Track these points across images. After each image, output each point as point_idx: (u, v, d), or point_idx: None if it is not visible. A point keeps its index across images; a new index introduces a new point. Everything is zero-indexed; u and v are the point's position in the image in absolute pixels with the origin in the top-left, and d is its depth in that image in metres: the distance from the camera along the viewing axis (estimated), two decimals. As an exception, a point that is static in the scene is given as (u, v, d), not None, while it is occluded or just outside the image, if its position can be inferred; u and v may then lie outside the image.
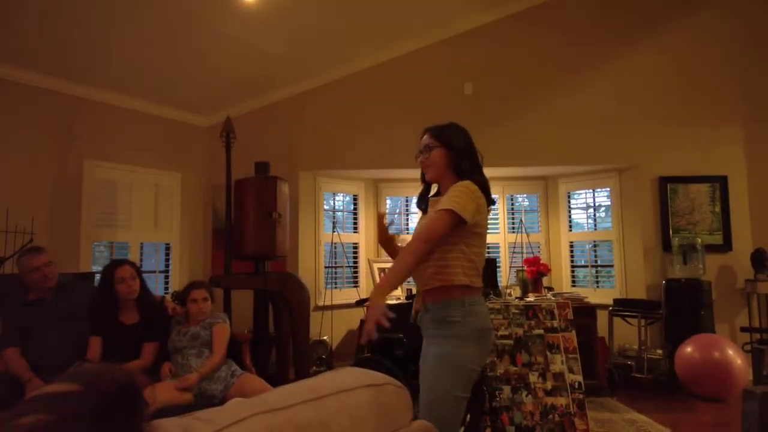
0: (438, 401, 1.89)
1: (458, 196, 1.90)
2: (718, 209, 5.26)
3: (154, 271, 5.12)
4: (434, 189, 2.20)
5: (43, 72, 4.31)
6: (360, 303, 4.64)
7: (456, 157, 2.05)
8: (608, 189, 5.63)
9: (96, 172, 4.70)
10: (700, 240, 5.02)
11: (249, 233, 4.21)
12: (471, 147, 2.10)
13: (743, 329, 4.37)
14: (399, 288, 5.49)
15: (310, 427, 1.13)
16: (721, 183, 5.26)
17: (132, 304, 3.13)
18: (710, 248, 5.10)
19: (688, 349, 4.42)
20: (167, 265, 5.27)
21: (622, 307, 5.02)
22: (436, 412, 1.86)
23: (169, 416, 1.03)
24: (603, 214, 5.76)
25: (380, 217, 2.30)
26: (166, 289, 5.15)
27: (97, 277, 3.59)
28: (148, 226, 5.11)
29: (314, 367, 4.70)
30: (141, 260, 4.99)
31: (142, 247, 5.07)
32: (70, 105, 4.54)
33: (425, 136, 2.14)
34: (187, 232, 5.39)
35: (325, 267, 5.66)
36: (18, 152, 4.23)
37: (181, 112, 5.37)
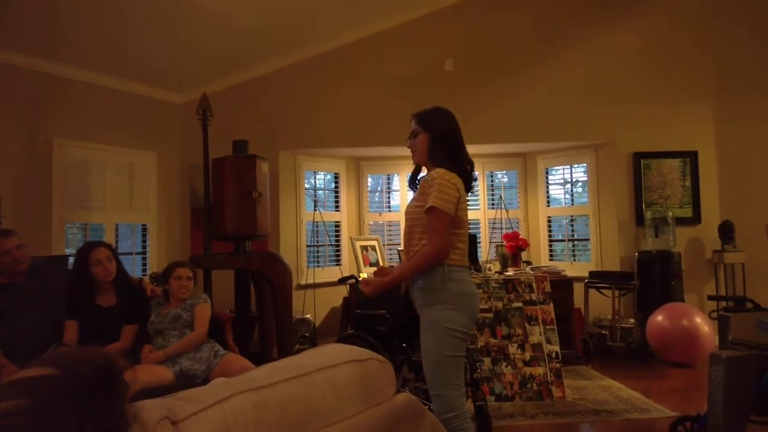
0: (433, 363, 2.05)
1: (440, 191, 2.04)
2: (688, 183, 5.39)
3: (131, 253, 5.06)
4: (425, 170, 2.30)
5: (8, 48, 4.16)
6: (342, 281, 4.65)
7: (437, 141, 2.18)
8: (585, 165, 5.71)
9: (67, 151, 4.59)
10: (671, 213, 5.15)
11: (229, 213, 4.17)
12: (449, 132, 2.20)
13: (710, 298, 4.53)
14: (383, 265, 5.53)
15: (294, 403, 1.15)
16: (691, 158, 5.39)
17: (109, 286, 3.08)
18: (681, 221, 5.24)
19: (659, 318, 4.57)
20: (144, 247, 5.21)
21: (597, 279, 5.15)
22: (433, 373, 2.05)
23: (152, 397, 1.03)
24: (580, 190, 5.85)
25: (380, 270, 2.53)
26: (144, 270, 5.10)
27: (71, 259, 3.54)
28: (124, 207, 5.02)
29: (297, 345, 4.74)
30: (117, 242, 4.92)
31: (117, 229, 4.99)
32: (38, 82, 4.40)
33: (412, 122, 2.26)
34: (164, 213, 5.32)
35: (307, 246, 5.66)
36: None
37: (156, 89, 5.25)
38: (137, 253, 5.15)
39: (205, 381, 2.74)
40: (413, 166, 2.34)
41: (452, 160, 2.16)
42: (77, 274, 3.04)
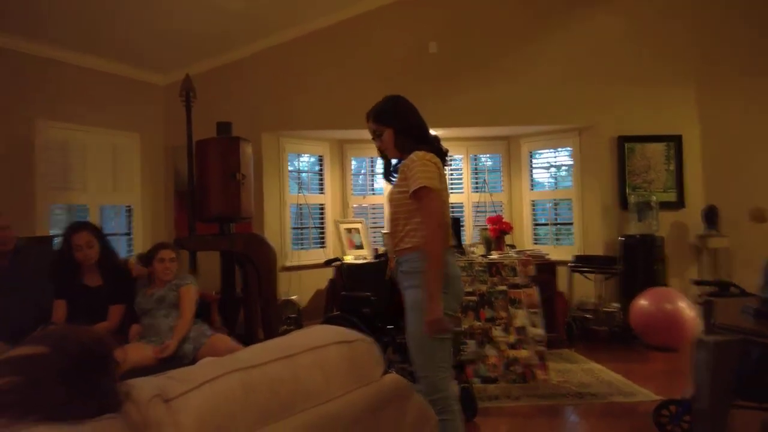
0: (420, 346, 2.06)
1: (423, 170, 2.04)
2: (672, 167, 5.44)
3: (116, 234, 5.00)
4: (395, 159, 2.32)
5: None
6: (328, 263, 4.66)
7: (403, 133, 2.19)
8: (569, 148, 5.74)
9: (49, 132, 4.49)
10: (655, 197, 5.20)
11: (213, 195, 4.13)
12: (410, 119, 2.23)
13: (694, 282, 4.60)
14: (365, 248, 5.54)
15: (283, 383, 1.16)
16: (675, 142, 5.43)
17: (93, 267, 3.08)
18: (664, 205, 5.29)
19: (642, 302, 4.63)
20: (129, 228, 5.15)
21: (581, 263, 5.21)
22: (420, 355, 2.06)
23: (141, 377, 1.03)
24: (564, 173, 5.89)
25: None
26: (130, 251, 5.05)
27: (56, 240, 3.52)
28: (107, 189, 4.95)
29: (284, 327, 4.74)
30: (101, 223, 4.86)
31: (101, 210, 4.93)
32: (18, 62, 4.29)
33: (369, 122, 2.28)
34: (148, 194, 5.26)
35: (292, 228, 5.64)
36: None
37: (138, 70, 5.15)
38: (122, 234, 5.09)
39: (193, 361, 2.74)
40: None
41: (422, 142, 2.17)
42: (62, 255, 3.04)
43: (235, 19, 4.86)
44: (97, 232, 3.17)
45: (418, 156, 2.09)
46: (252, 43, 5.35)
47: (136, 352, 2.76)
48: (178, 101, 4.17)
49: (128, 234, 5.14)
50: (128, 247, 5.11)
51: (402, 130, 2.19)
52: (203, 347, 2.97)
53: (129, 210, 5.16)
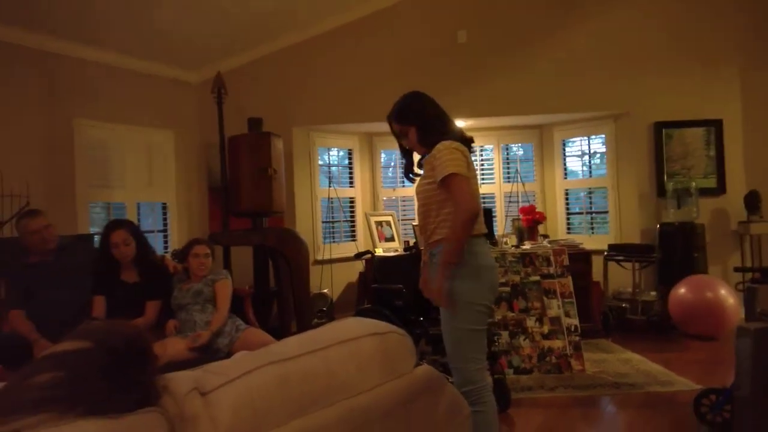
0: (454, 337, 2.06)
1: (450, 158, 2.03)
2: (712, 153, 5.27)
3: (153, 231, 5.13)
4: (416, 156, 2.32)
5: (24, 28, 4.16)
6: (359, 256, 4.67)
7: (427, 128, 2.18)
8: (603, 136, 5.60)
9: (86, 131, 4.63)
10: (694, 184, 5.05)
11: (245, 190, 4.20)
12: (431, 113, 2.21)
13: (736, 269, 4.44)
14: (396, 240, 5.55)
15: (317, 375, 1.17)
16: (716, 127, 5.25)
17: (131, 264, 3.17)
18: (704, 192, 5.14)
19: (682, 290, 4.52)
20: (165, 225, 5.28)
21: (617, 251, 5.10)
22: (454, 347, 2.06)
23: (177, 371, 1.06)
24: (598, 161, 5.76)
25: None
26: (166, 248, 5.17)
27: (96, 238, 3.63)
28: (143, 186, 5.08)
29: (316, 320, 4.79)
30: (138, 220, 4.99)
31: (138, 207, 5.06)
32: (55, 63, 4.42)
33: (392, 124, 2.29)
34: (183, 191, 5.37)
35: (323, 222, 5.68)
36: (5, 114, 4.14)
37: (171, 69, 5.25)
38: (158, 231, 5.22)
39: (228, 355, 2.79)
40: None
41: (446, 133, 2.16)
42: (102, 253, 3.14)
43: (264, 15, 4.91)
44: (134, 229, 3.26)
45: (444, 145, 2.07)
46: (281, 39, 5.39)
47: (173, 346, 2.82)
48: (211, 98, 4.24)
49: (164, 230, 5.27)
50: (164, 244, 5.23)
51: (424, 125, 2.18)
52: (237, 341, 3.02)
53: (164, 207, 5.28)
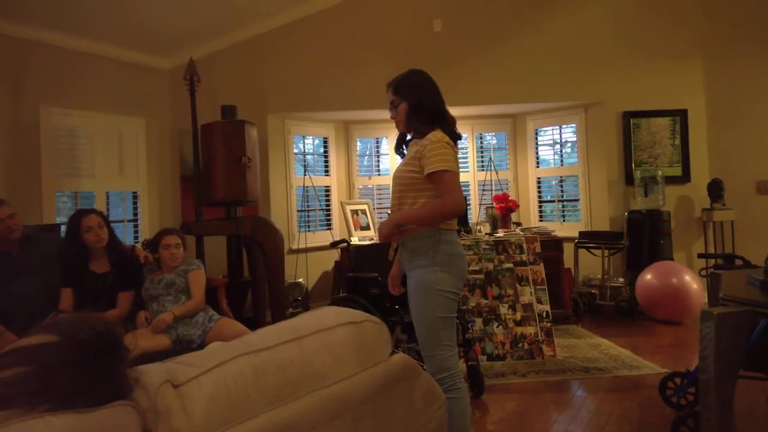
0: (425, 325, 2.06)
1: (443, 153, 2.03)
2: (678, 142, 5.41)
3: (123, 221, 5.03)
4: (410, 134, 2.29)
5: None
6: (334, 245, 4.68)
7: (418, 109, 2.15)
8: (574, 125, 5.69)
9: (54, 119, 4.49)
10: (660, 172, 5.17)
11: (218, 179, 4.15)
12: (429, 96, 2.18)
13: (700, 255, 4.60)
14: (372, 229, 5.55)
15: (292, 365, 1.17)
16: (681, 116, 5.38)
17: (101, 252, 3.10)
18: (670, 180, 5.27)
19: (648, 276, 4.65)
20: (135, 214, 5.18)
21: (587, 239, 5.21)
22: (426, 335, 2.06)
23: (150, 362, 1.05)
24: (569, 150, 5.85)
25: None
26: (136, 238, 5.08)
27: (63, 228, 3.53)
28: (114, 174, 4.96)
29: (291, 309, 4.78)
30: (108, 209, 4.88)
31: (108, 196, 4.95)
32: (20, 49, 4.27)
33: (389, 93, 2.23)
34: (154, 180, 5.27)
35: (298, 210, 5.65)
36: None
37: (141, 55, 5.11)
38: (129, 221, 5.12)
39: (201, 346, 2.78)
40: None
41: (436, 122, 2.14)
42: (70, 242, 3.06)
43: (238, 0, 4.81)
44: (105, 217, 3.19)
45: (436, 137, 2.06)
46: (255, 25, 5.30)
47: (143, 338, 2.79)
48: (183, 85, 4.15)
49: (135, 220, 5.17)
50: (135, 233, 5.13)
51: (417, 105, 2.15)
52: (211, 332, 3.00)
53: (135, 196, 5.17)
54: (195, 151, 4.17)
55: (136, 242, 4.79)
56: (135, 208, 5.16)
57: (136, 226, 5.16)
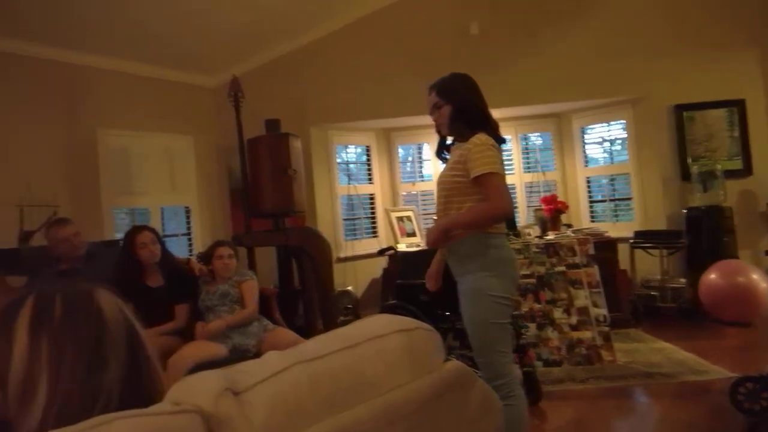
0: (477, 332, 2.03)
1: (488, 156, 1.99)
2: (736, 134, 5.14)
3: (177, 234, 5.20)
4: (451, 138, 2.27)
5: (43, 43, 4.24)
6: (381, 252, 4.68)
7: (462, 112, 2.13)
8: (622, 121, 5.51)
9: (109, 140, 4.71)
10: (719, 166, 4.93)
11: (266, 191, 4.24)
12: (472, 99, 2.16)
13: (768, 253, 4.36)
14: (418, 235, 5.53)
15: (346, 374, 1.16)
16: (738, 107, 5.12)
17: (155, 267, 3.20)
18: (730, 174, 5.01)
19: (712, 276, 4.42)
20: (188, 228, 5.34)
21: (643, 238, 5.01)
22: (480, 341, 2.03)
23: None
24: (618, 147, 5.67)
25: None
26: (190, 251, 5.24)
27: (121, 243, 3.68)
28: (166, 190, 5.15)
29: (341, 317, 4.81)
30: (162, 224, 5.07)
31: (162, 212, 5.14)
32: (74, 75, 4.50)
33: (432, 95, 2.21)
34: (204, 194, 5.43)
35: (343, 219, 5.70)
36: (30, 126, 4.22)
37: (187, 74, 5.30)
38: (182, 234, 5.29)
39: (257, 355, 2.82)
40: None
41: (479, 126, 2.10)
42: (125, 258, 3.17)
43: (275, 15, 4.92)
44: (157, 234, 3.30)
45: (480, 140, 2.03)
46: (293, 39, 5.41)
47: (202, 348, 2.86)
48: (228, 102, 4.27)
49: (188, 234, 5.33)
50: (189, 247, 5.29)
51: (461, 109, 2.13)
52: (266, 341, 3.04)
53: (187, 210, 5.34)
54: (242, 165, 4.28)
55: (191, 255, 4.93)
56: (188, 222, 5.33)
57: (189, 239, 5.33)
